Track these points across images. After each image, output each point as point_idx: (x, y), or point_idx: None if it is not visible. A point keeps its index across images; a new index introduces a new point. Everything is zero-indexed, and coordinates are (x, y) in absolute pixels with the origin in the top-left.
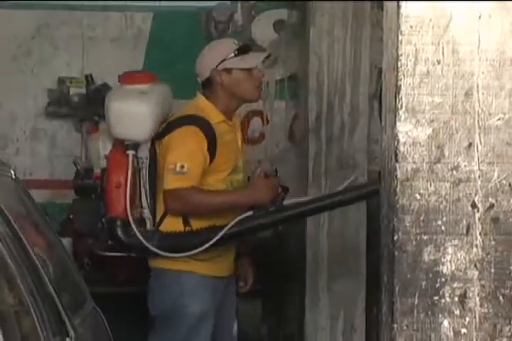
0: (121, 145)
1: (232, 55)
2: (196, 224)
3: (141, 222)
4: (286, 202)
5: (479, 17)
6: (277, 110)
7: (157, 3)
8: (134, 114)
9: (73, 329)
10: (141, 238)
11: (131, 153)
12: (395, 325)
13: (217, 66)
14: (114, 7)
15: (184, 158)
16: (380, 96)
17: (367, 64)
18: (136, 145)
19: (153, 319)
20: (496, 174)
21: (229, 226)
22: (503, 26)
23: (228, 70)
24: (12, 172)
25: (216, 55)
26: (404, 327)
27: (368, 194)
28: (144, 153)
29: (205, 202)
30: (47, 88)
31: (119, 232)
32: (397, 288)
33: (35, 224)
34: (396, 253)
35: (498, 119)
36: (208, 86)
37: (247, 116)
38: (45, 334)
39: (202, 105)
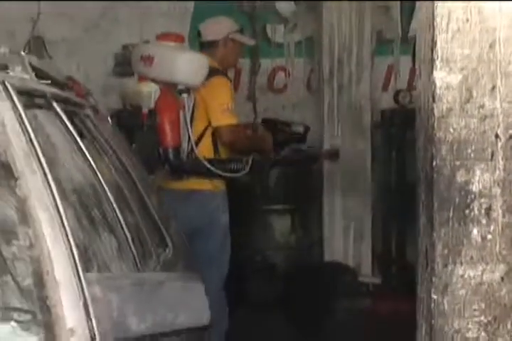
0: (171, 89)
1: (236, 31)
2: (223, 154)
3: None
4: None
5: None
6: (297, 65)
7: None
8: (198, 62)
9: (171, 242)
10: (205, 163)
11: (185, 95)
12: (435, 234)
13: (228, 34)
14: None
15: (229, 100)
16: (414, 51)
17: (369, 28)
18: (188, 90)
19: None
20: None
21: (251, 157)
22: None
23: (233, 40)
24: (109, 118)
25: (228, 26)
26: (442, 235)
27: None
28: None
29: (247, 137)
30: (114, 53)
31: (172, 159)
32: (436, 204)
33: (130, 157)
34: (435, 176)
35: None
36: (209, 46)
37: (273, 70)
38: (154, 245)
39: (211, 62)
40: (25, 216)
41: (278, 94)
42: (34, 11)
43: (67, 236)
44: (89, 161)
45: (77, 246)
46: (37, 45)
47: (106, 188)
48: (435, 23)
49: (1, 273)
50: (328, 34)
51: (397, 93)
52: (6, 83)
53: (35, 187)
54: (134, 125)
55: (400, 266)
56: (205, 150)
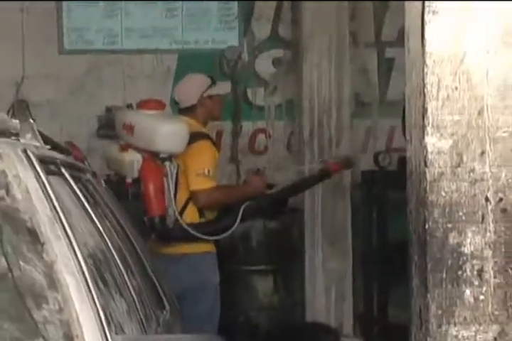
0: (153, 157)
1: (210, 84)
2: (210, 215)
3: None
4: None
5: (487, 52)
6: (277, 128)
7: (182, 47)
8: (178, 131)
9: (168, 303)
10: (187, 227)
11: (168, 163)
12: (428, 295)
13: (202, 94)
14: (148, 50)
15: (208, 164)
16: (403, 117)
17: (348, 91)
18: (170, 157)
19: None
20: (503, 174)
21: (241, 212)
22: (506, 59)
23: (210, 97)
24: (103, 181)
25: (200, 86)
26: (436, 296)
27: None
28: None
29: (226, 196)
30: (97, 114)
31: (159, 227)
32: (429, 265)
33: (127, 220)
34: (427, 238)
35: (504, 132)
36: (190, 110)
37: (254, 132)
38: (154, 307)
39: (195, 126)
40: (53, 280)
41: (259, 155)
42: (19, 74)
43: (93, 299)
44: (97, 226)
45: (103, 310)
46: (21, 108)
47: (113, 252)
48: (426, 91)
49: (34, 337)
50: (308, 97)
51: (376, 155)
52: (28, 151)
53: (61, 252)
54: (119, 193)
55: (381, 326)
56: (191, 214)
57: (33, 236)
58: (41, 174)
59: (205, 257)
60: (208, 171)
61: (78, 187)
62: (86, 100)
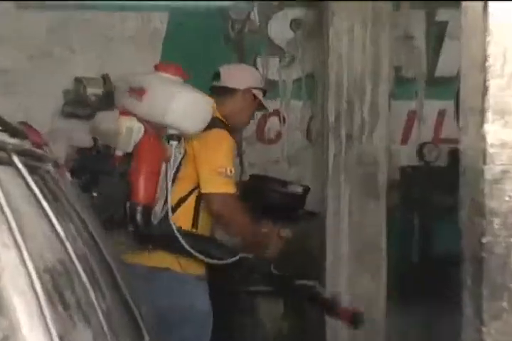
0: (157, 133)
1: (260, 87)
2: (201, 228)
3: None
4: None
5: None
6: (294, 109)
7: (173, 3)
8: (201, 105)
9: (147, 334)
10: (178, 235)
11: (174, 143)
12: (484, 329)
13: (250, 87)
14: (131, 7)
15: (230, 162)
16: (457, 99)
17: (386, 63)
18: (179, 137)
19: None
20: None
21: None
22: None
23: (254, 97)
24: (68, 174)
25: (254, 78)
26: (493, 331)
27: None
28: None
29: (243, 218)
30: (63, 88)
31: (140, 219)
32: (485, 292)
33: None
34: (484, 256)
35: None
36: (223, 94)
37: (264, 115)
38: (127, 338)
39: (216, 110)
40: None
41: (270, 145)
42: None
43: (47, 326)
44: (56, 230)
45: (59, 339)
46: None
47: (77, 265)
48: (487, 65)
49: None
50: (335, 70)
51: (420, 147)
52: None
53: (8, 265)
54: (102, 170)
55: None
56: (182, 218)
57: None
58: None
59: (185, 279)
60: (230, 171)
61: (34, 181)
62: (51, 69)
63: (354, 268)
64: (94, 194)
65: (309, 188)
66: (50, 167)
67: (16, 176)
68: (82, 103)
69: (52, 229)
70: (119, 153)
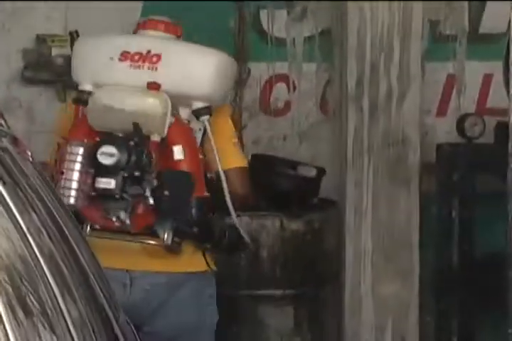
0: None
1: None
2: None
3: None
4: None
5: None
6: (306, 74)
7: None
8: (230, 67)
9: None
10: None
11: (206, 118)
12: None
13: None
14: None
15: (234, 130)
16: (506, 59)
17: (419, 16)
18: (210, 110)
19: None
20: None
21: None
22: None
23: None
24: (29, 153)
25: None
26: None
27: None
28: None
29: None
30: (22, 48)
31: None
32: None
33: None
34: None
35: None
36: None
37: (269, 81)
38: None
39: None
40: None
41: (277, 117)
42: None
43: (5, 335)
44: (16, 220)
45: None
46: None
47: (42, 263)
48: None
49: None
50: (356, 25)
51: (461, 119)
52: None
53: None
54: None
55: None
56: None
57: None
58: None
59: (210, 279)
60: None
61: None
62: (6, 25)
63: (380, 270)
64: (166, 193)
65: (325, 171)
66: (6, 143)
67: None
68: (46, 66)
69: (10, 219)
70: (156, 138)
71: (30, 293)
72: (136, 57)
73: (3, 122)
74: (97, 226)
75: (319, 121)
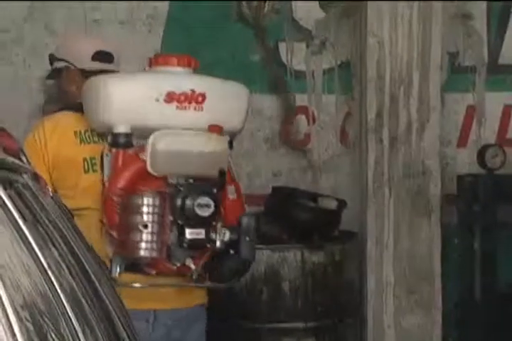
0: None
1: None
2: None
3: None
4: None
5: None
6: (326, 106)
7: None
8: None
9: None
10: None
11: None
12: None
13: None
14: None
15: None
16: None
17: (438, 48)
18: (232, 142)
19: None
20: None
21: None
22: None
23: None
24: (49, 188)
25: None
26: None
27: None
28: None
29: None
30: (43, 82)
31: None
32: None
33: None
34: None
35: None
36: None
37: (289, 113)
38: None
39: None
40: None
41: (297, 149)
42: None
43: None
44: (37, 256)
45: None
46: None
47: (63, 299)
48: None
49: None
50: (375, 57)
51: (482, 150)
52: None
53: None
54: None
55: None
56: None
57: None
58: None
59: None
60: None
61: (8, 196)
62: (27, 61)
63: (402, 302)
64: (247, 238)
65: (345, 202)
66: (27, 179)
67: None
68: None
69: (30, 255)
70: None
71: (51, 330)
72: (183, 98)
73: (24, 159)
74: (153, 272)
75: (339, 152)
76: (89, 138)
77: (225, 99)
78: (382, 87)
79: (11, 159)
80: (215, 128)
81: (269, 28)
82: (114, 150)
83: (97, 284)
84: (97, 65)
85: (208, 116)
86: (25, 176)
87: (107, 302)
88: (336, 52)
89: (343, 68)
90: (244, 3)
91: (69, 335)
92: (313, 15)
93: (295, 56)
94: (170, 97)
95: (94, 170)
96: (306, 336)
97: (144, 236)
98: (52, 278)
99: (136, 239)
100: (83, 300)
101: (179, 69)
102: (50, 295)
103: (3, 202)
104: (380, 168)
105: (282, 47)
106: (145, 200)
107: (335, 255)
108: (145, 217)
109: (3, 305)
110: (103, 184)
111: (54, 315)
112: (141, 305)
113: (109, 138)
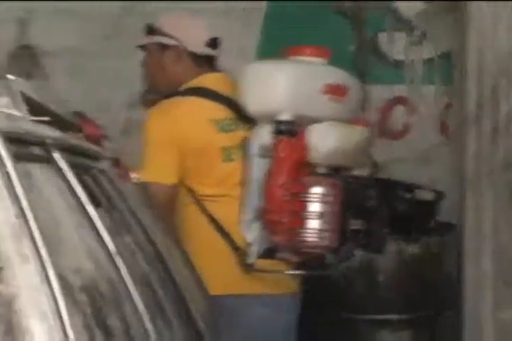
0: None
1: None
2: None
3: None
4: None
5: None
6: (425, 97)
7: None
8: None
9: None
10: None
11: None
12: None
13: None
14: None
15: None
16: None
17: None
18: None
19: None
20: None
21: None
22: None
23: None
24: (133, 175)
25: None
26: None
27: None
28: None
29: None
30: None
31: None
32: None
33: (167, 237)
34: None
35: None
36: None
37: (388, 103)
38: None
39: None
40: (11, 327)
41: (394, 140)
42: (24, 7)
43: None
44: (104, 242)
45: None
46: (25, 58)
47: (129, 285)
48: None
49: None
50: (476, 47)
51: None
52: None
53: (28, 282)
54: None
55: None
56: None
57: None
58: (5, 161)
59: None
60: None
61: (83, 182)
62: (123, 49)
63: (500, 295)
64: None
65: (443, 194)
66: (105, 165)
67: (56, 176)
68: None
69: (99, 241)
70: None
71: (113, 314)
72: (335, 90)
73: (107, 144)
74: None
75: (438, 143)
76: (228, 126)
77: (356, 92)
78: (483, 78)
79: (90, 146)
80: (360, 121)
81: (369, 19)
82: (276, 137)
83: (172, 271)
84: (209, 51)
85: (348, 109)
86: (103, 162)
87: (182, 289)
88: (435, 42)
89: (443, 58)
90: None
91: (133, 319)
92: (414, 5)
93: (395, 46)
94: (327, 89)
95: (231, 159)
96: (402, 328)
97: (320, 225)
98: (120, 264)
99: (311, 227)
100: (156, 286)
101: (318, 60)
102: (116, 280)
103: (73, 187)
104: (480, 160)
105: (381, 37)
106: (324, 190)
107: (432, 247)
108: (322, 206)
109: (52, 288)
110: (243, 171)
111: (117, 299)
112: (266, 289)
113: (271, 126)
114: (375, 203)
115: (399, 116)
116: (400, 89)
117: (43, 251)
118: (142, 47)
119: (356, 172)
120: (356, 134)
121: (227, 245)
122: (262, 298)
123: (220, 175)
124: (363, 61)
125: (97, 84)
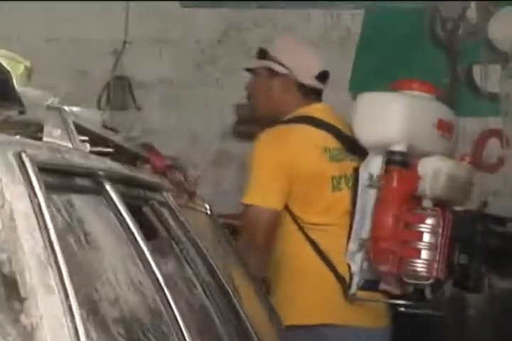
0: None
1: None
2: None
3: None
4: None
5: None
6: None
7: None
8: None
9: None
10: None
11: None
12: None
13: None
14: (317, 4)
15: None
16: None
17: None
18: None
19: None
20: None
21: None
22: None
23: None
24: (207, 206)
25: None
26: None
27: None
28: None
29: None
30: (235, 103)
31: None
32: None
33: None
34: None
35: None
36: None
37: (481, 136)
38: None
39: None
40: None
41: (489, 172)
42: (119, 38)
43: None
44: (155, 276)
45: None
46: (119, 89)
47: (179, 319)
48: None
49: None
50: None
51: None
52: (24, 156)
53: (51, 312)
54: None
55: None
56: None
57: (10, 287)
58: (37, 192)
59: None
60: None
61: (138, 213)
62: (220, 82)
63: None
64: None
65: None
66: (167, 198)
67: (107, 207)
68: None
69: (147, 272)
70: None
71: None
72: (446, 126)
73: (182, 177)
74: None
75: None
76: (337, 155)
77: (458, 130)
78: None
79: (149, 177)
80: (465, 158)
81: (464, 51)
82: (388, 167)
83: (236, 303)
84: (317, 84)
85: (454, 145)
86: (164, 194)
87: (246, 321)
88: None
89: None
90: (438, 24)
91: None
92: (509, 37)
93: (489, 78)
94: (440, 124)
95: (339, 189)
96: None
97: (431, 256)
98: (169, 296)
99: (423, 257)
100: (215, 320)
101: (427, 94)
102: (163, 313)
103: (124, 218)
104: None
105: (476, 69)
106: (437, 221)
107: None
108: (434, 237)
109: (74, 319)
110: (352, 201)
111: (163, 331)
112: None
113: (382, 156)
114: (480, 239)
115: (493, 148)
116: (494, 122)
117: (68, 282)
118: (250, 70)
119: (458, 208)
120: (463, 170)
121: (332, 275)
122: (357, 330)
123: (327, 204)
124: (457, 93)
125: (190, 114)
